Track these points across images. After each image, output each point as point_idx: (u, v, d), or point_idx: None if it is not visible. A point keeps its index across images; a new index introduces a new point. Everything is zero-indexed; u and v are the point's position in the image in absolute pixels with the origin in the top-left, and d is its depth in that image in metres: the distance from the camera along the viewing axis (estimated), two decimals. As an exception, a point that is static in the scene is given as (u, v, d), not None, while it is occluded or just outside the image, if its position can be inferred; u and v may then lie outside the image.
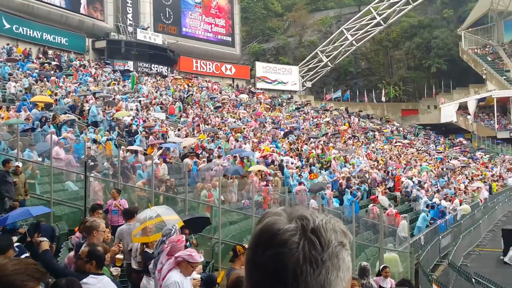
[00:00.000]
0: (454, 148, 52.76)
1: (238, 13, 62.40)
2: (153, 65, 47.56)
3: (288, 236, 1.07)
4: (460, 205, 26.01)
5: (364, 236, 17.71)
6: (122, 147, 19.57)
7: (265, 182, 19.55)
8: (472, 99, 59.16)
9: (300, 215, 1.11)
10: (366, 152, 35.46)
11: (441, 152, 46.57)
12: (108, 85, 33.72)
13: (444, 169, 35.22)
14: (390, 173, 28.76)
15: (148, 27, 49.33)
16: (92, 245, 5.32)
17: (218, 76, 57.05)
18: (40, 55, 38.87)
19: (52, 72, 31.76)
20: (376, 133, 47.45)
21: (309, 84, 64.76)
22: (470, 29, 68.49)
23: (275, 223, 1.10)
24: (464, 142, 56.57)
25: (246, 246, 7.20)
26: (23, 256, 5.82)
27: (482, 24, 69.25)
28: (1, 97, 24.48)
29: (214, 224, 14.00)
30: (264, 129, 33.38)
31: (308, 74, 64.17)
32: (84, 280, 4.49)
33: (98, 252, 5.02)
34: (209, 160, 21.03)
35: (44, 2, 41.12)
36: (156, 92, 36.75)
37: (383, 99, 65.28)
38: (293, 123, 39.39)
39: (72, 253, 6.99)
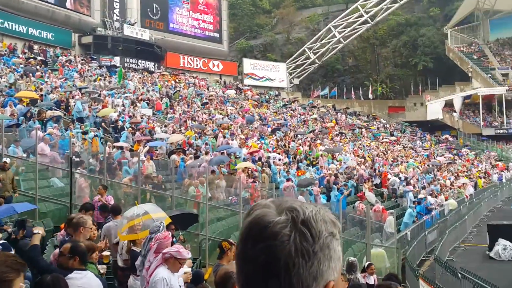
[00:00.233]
0: (440, 145, 53.19)
1: (226, 10, 62.22)
2: (139, 61, 47.25)
3: (279, 229, 1.06)
4: (446, 201, 26.22)
5: (351, 232, 17.78)
6: (108, 143, 19.43)
7: (252, 179, 19.53)
8: (458, 97, 59.71)
9: (289, 207, 1.10)
10: (353, 148, 35.59)
11: (427, 149, 46.92)
12: (94, 80, 33.44)
13: (430, 166, 35.49)
14: (377, 170, 28.90)
15: (135, 22, 48.98)
16: (74, 241, 5.25)
17: (206, 72, 56.88)
18: (26, 50, 38.42)
19: (37, 67, 31.40)
20: (363, 130, 47.66)
21: (296, 81, 64.84)
22: (456, 28, 69.11)
23: (265, 216, 1.09)
24: (450, 139, 57.06)
25: (232, 241, 7.20)
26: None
27: (468, 23, 69.94)
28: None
29: (201, 220, 13.96)
30: (251, 125, 33.34)
31: (295, 71, 64.23)
32: (69, 276, 4.44)
33: (80, 248, 4.98)
34: (196, 157, 20.94)
35: (29, -4, 40.66)
36: (143, 88, 36.51)
37: (370, 96, 65.62)
38: (281, 119, 39.41)
39: (57, 250, 6.90)
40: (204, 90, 43.98)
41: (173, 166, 16.70)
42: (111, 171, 15.54)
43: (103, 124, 22.83)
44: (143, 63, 47.59)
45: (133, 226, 7.66)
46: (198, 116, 31.48)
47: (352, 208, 21.27)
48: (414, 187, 26.61)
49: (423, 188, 27.56)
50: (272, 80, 62.12)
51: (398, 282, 6.89)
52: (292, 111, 47.12)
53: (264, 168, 22.23)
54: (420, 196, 24.72)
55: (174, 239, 9.11)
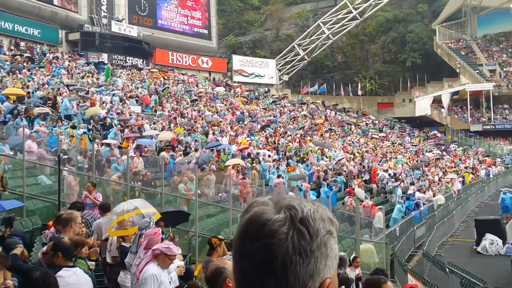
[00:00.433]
0: (428, 141, 53.55)
1: (215, 6, 62.01)
2: (128, 57, 46.99)
3: (277, 227, 1.07)
4: (434, 196, 26.42)
5: (341, 227, 17.83)
6: (97, 140, 19.31)
7: (242, 175, 19.52)
8: (446, 93, 60.08)
9: (288, 205, 1.10)
10: (342, 145, 35.71)
11: (416, 145, 47.21)
12: (82, 77, 33.20)
13: (419, 162, 35.72)
14: (366, 166, 29.02)
15: (123, 19, 48.66)
16: (56, 237, 5.23)
17: (195, 69, 56.68)
18: (12, 47, 38.02)
19: (24, 64, 31.10)
20: (353, 126, 47.83)
21: (286, 78, 64.87)
22: (444, 24, 69.50)
23: (263, 213, 1.10)
24: (438, 135, 57.46)
25: (222, 237, 7.21)
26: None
27: (456, 19, 70.36)
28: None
29: (191, 217, 13.93)
30: (241, 122, 33.31)
31: (285, 68, 64.25)
32: (58, 274, 4.41)
33: (62, 243, 4.96)
34: (185, 154, 20.90)
35: (16, -8, 40.24)
36: (132, 85, 36.31)
37: (359, 92, 65.84)
38: (270, 116, 39.42)
39: (45, 248, 6.87)
40: (193, 87, 43.85)
41: (163, 163, 16.64)
42: (100, 168, 15.45)
43: (91, 121, 22.68)
44: (131, 59, 47.34)
45: (122, 222, 7.62)
46: (187, 113, 31.39)
47: (341, 204, 21.35)
48: (403, 182, 26.77)
49: (412, 183, 27.74)
50: (262, 76, 62.10)
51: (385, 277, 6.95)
52: (281, 108, 47.14)
53: (254, 164, 22.24)
54: (409, 191, 24.89)
55: (164, 236, 9.10)
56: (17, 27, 40.31)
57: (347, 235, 17.16)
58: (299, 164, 25.85)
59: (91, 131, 20.97)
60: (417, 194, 25.23)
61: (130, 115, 25.66)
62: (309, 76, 69.04)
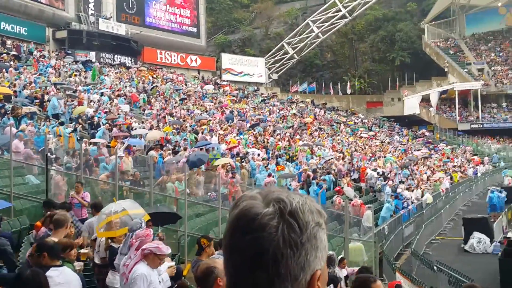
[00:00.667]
0: (417, 139, 53.85)
1: (203, 4, 61.78)
2: (116, 56, 46.67)
3: (267, 220, 1.07)
4: (422, 195, 26.59)
5: (330, 226, 17.90)
6: (85, 139, 19.18)
7: (231, 174, 19.52)
8: (434, 92, 60.44)
9: (276, 198, 1.11)
10: (331, 144, 35.81)
11: (404, 144, 47.47)
12: (70, 76, 32.93)
13: (408, 160, 35.91)
14: (355, 165, 29.14)
15: (111, 17, 48.31)
16: (40, 238, 5.21)
17: (183, 67, 56.48)
18: (-2, 45, 37.59)
19: (11, 62, 30.76)
20: (342, 125, 47.97)
21: (275, 76, 64.89)
22: (433, 23, 69.89)
23: (252, 207, 1.10)
24: (427, 133, 57.80)
25: (211, 237, 7.20)
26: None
27: (444, 18, 70.76)
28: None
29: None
30: (230, 121, 33.26)
31: (274, 66, 64.27)
32: (46, 274, 4.37)
33: (47, 243, 4.94)
34: (174, 152, 20.83)
35: (2, -10, 39.79)
36: (120, 83, 36.09)
37: (348, 91, 66.01)
38: (260, 115, 39.41)
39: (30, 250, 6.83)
40: (182, 86, 43.68)
41: (151, 162, 16.57)
42: (88, 167, 15.37)
43: (79, 120, 22.50)
44: (120, 58, 47.02)
45: (110, 223, 7.60)
46: (176, 112, 31.26)
47: (330, 203, 21.43)
48: (391, 181, 26.91)
49: (401, 182, 27.89)
50: (251, 75, 62.04)
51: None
52: (271, 107, 47.14)
53: (243, 163, 22.23)
54: (398, 190, 25.03)
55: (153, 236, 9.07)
56: (3, 25, 39.86)
57: (336, 233, 17.23)
58: (288, 163, 25.88)
59: (78, 130, 20.79)
60: (406, 193, 25.37)
61: (118, 114, 25.50)
62: (299, 75, 69.12)
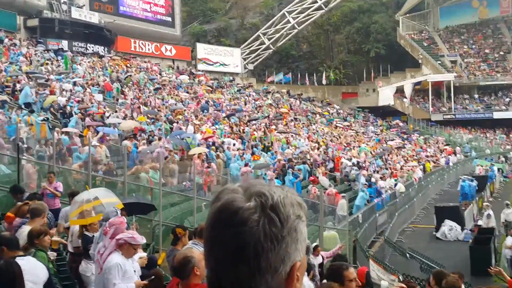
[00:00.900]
0: (391, 130, 54.51)
1: (179, -7, 61.12)
2: (89, 44, 45.79)
3: (248, 215, 1.09)
4: (395, 184, 26.95)
5: (305, 215, 18.01)
6: (57, 129, 18.85)
7: (206, 164, 19.46)
8: (408, 83, 61.18)
9: (257, 192, 1.12)
10: (307, 134, 35.99)
11: (378, 134, 48.01)
12: (42, 65, 32.26)
13: (382, 150, 36.34)
14: (330, 155, 29.34)
15: (84, 5, 47.34)
16: (15, 230, 5.15)
17: (158, 57, 55.78)
18: (-33, 33, 36.59)
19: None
20: (317, 115, 48.22)
21: (251, 67, 64.73)
22: (407, 15, 70.48)
23: (234, 201, 1.11)
24: (401, 124, 58.52)
25: (186, 226, 7.18)
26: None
27: (419, 10, 71.40)
28: None
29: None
30: (206, 111, 33.11)
31: (250, 57, 64.07)
32: (12, 264, 4.32)
33: (4, 237, 4.95)
34: (149, 142, 20.66)
35: (-30, -25, 38.61)
36: (93, 73, 35.51)
37: (324, 82, 66.24)
38: (235, 105, 39.33)
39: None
40: (157, 75, 43.24)
41: (125, 152, 16.38)
42: (61, 157, 15.13)
43: (51, 109, 22.09)
44: (93, 47, 46.16)
45: (83, 212, 7.52)
46: (150, 102, 30.94)
47: (306, 192, 21.57)
48: (366, 171, 27.21)
49: (375, 172, 28.23)
50: (227, 65, 61.70)
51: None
52: (246, 97, 47.07)
53: (218, 153, 22.17)
54: (372, 179, 25.33)
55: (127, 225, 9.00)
56: (-28, 12, 38.79)
57: (311, 222, 17.33)
58: (264, 153, 25.91)
59: (50, 120, 20.41)
60: (380, 182, 25.69)
61: (91, 103, 25.10)
62: (274, 65, 69.06)
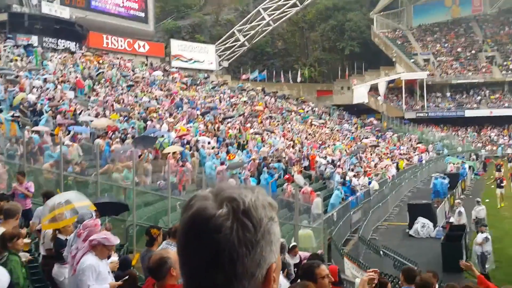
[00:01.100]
0: (365, 128, 55.00)
1: (152, -12, 60.41)
2: (60, 40, 44.90)
3: (221, 222, 1.08)
4: (369, 182, 27.19)
5: (280, 214, 17.87)
6: (27, 127, 18.40)
7: (181, 163, 19.27)
8: (382, 81, 61.88)
9: (228, 197, 1.11)
10: (282, 131, 36.02)
11: (353, 132, 48.39)
12: (11, 61, 31.48)
13: (356, 148, 36.62)
14: (305, 153, 29.41)
15: (54, -1, 46.49)
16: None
17: (131, 53, 55.00)
18: None
19: None
20: (292, 113, 48.32)
21: (225, 64, 64.46)
22: (381, 13, 71.23)
23: (205, 209, 1.10)
24: (375, 122, 59.09)
25: (160, 227, 7.08)
26: None
27: (393, 8, 72.26)
28: None
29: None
30: (180, 109, 32.81)
31: (225, 54, 63.80)
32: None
33: None
34: (122, 140, 20.34)
35: None
36: (64, 69, 34.79)
37: (298, 79, 66.44)
38: (210, 103, 39.10)
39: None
40: (130, 72, 42.65)
41: (98, 150, 16.08)
42: (32, 156, 14.80)
43: (21, 107, 21.54)
44: (64, 42, 45.27)
45: (55, 217, 7.38)
46: (123, 99, 30.48)
47: (281, 191, 21.57)
48: (341, 169, 27.37)
49: (350, 170, 28.41)
50: (201, 62, 61.26)
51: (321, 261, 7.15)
52: (221, 94, 46.86)
53: (192, 151, 21.99)
54: (347, 178, 25.48)
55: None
56: None
57: (286, 221, 17.36)
58: (239, 151, 25.82)
59: (19, 117, 19.90)
60: (354, 180, 25.87)
61: (62, 100, 24.57)
62: (249, 63, 68.98)
